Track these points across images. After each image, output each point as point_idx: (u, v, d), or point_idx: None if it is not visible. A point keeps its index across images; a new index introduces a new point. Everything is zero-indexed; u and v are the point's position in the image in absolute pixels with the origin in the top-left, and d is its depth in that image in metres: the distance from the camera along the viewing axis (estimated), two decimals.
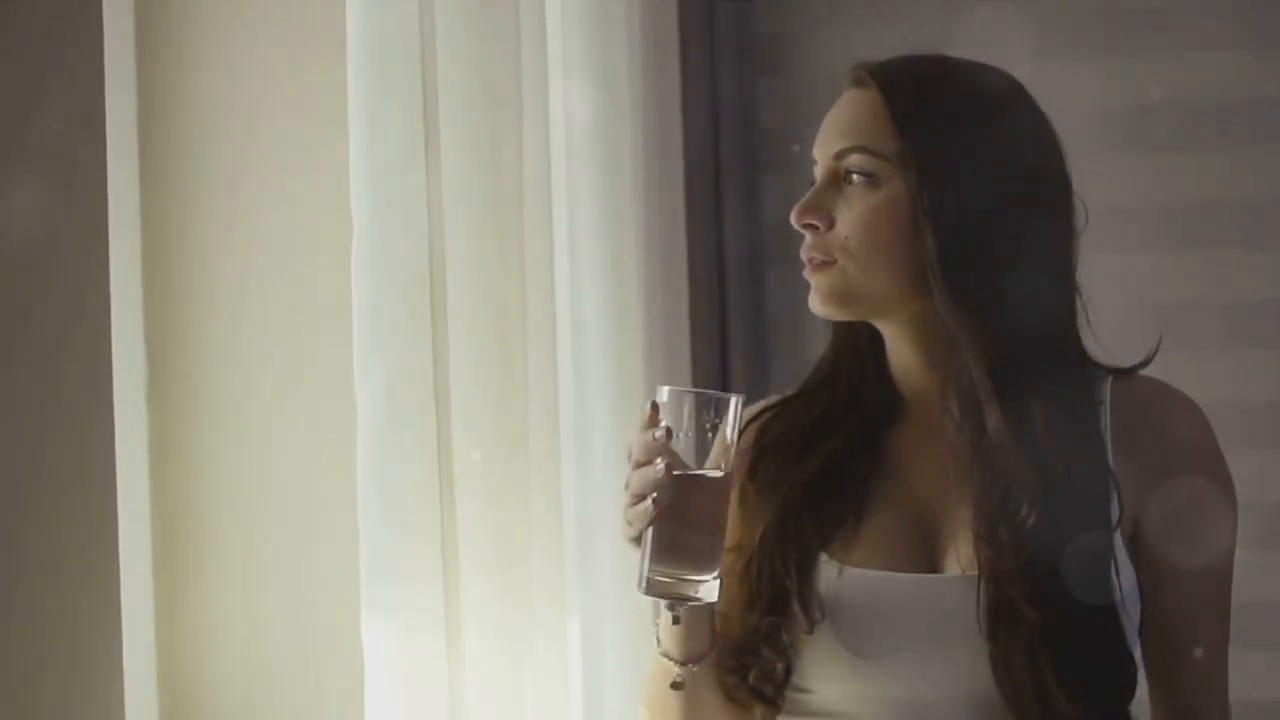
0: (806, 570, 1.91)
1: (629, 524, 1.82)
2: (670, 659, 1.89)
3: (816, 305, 1.92)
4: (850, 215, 1.90)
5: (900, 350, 1.96)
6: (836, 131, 1.93)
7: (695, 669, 1.89)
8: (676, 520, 1.79)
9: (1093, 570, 1.87)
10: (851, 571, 1.91)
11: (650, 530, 1.79)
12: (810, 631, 1.89)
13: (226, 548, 2.18)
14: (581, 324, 2.94)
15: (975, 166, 1.91)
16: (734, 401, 1.82)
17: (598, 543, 2.89)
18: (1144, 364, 1.96)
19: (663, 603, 1.84)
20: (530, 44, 2.49)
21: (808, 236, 1.91)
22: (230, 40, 2.18)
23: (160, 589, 2.16)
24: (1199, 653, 1.93)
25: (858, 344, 1.97)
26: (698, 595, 1.80)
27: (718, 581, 1.81)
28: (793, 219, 1.91)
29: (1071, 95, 3.36)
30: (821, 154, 1.94)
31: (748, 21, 3.54)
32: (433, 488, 2.22)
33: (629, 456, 1.83)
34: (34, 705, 1.70)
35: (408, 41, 2.20)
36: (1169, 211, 3.38)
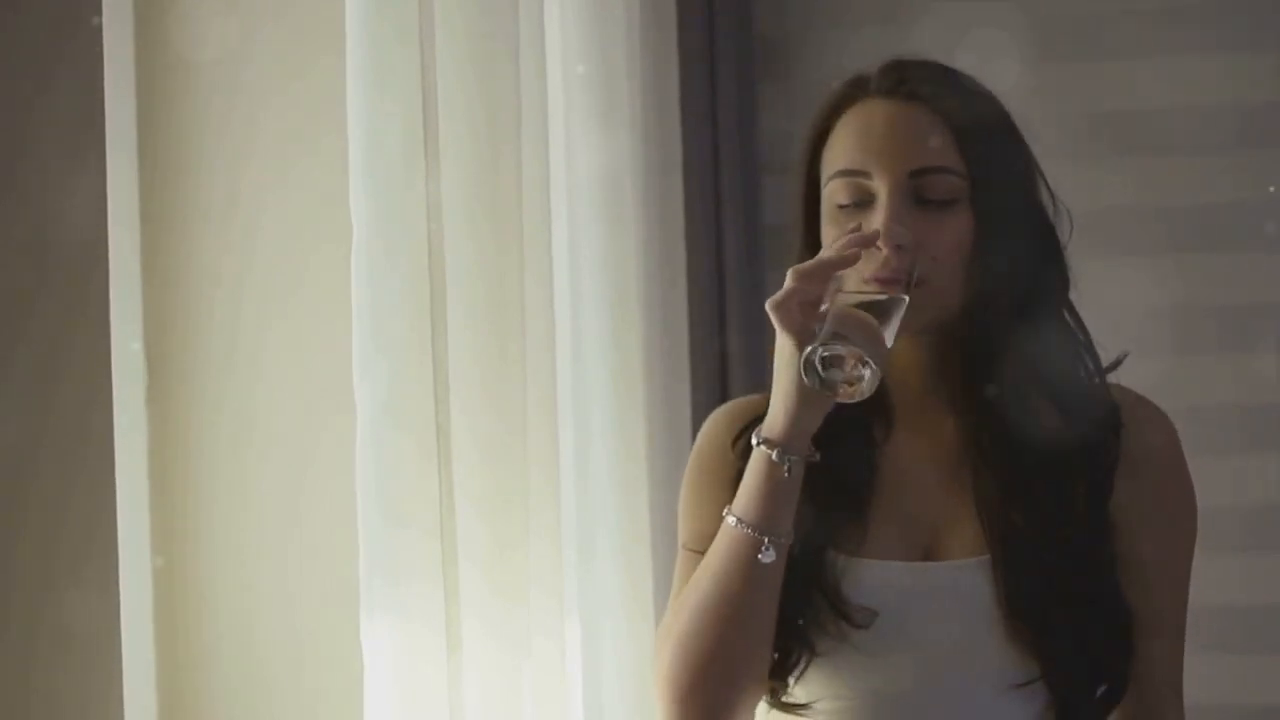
0: (819, 567, 1.92)
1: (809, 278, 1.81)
2: (754, 530, 1.85)
3: (914, 323, 1.88)
4: (938, 234, 1.91)
5: (906, 355, 1.96)
6: (910, 149, 1.92)
7: (780, 543, 1.86)
8: (852, 305, 1.81)
9: (1096, 549, 1.94)
10: (858, 563, 1.93)
11: (829, 314, 1.80)
12: (866, 626, 1.90)
13: (226, 547, 2.18)
14: (581, 325, 2.94)
15: (1017, 184, 1.96)
16: None
17: (597, 541, 2.90)
18: (1108, 369, 2.00)
19: (771, 453, 1.83)
20: (530, 45, 2.49)
21: (892, 257, 1.88)
22: (230, 41, 2.19)
23: (159, 588, 2.16)
24: (1157, 651, 1.97)
25: None
26: (865, 371, 1.78)
27: (877, 378, 1.79)
28: (885, 239, 1.88)
29: (1070, 98, 3.37)
30: (887, 169, 1.91)
31: (747, 25, 3.54)
32: (432, 487, 2.22)
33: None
34: (33, 707, 1.70)
35: (407, 41, 2.20)
36: (1163, 215, 3.39)
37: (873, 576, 1.93)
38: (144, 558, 2.15)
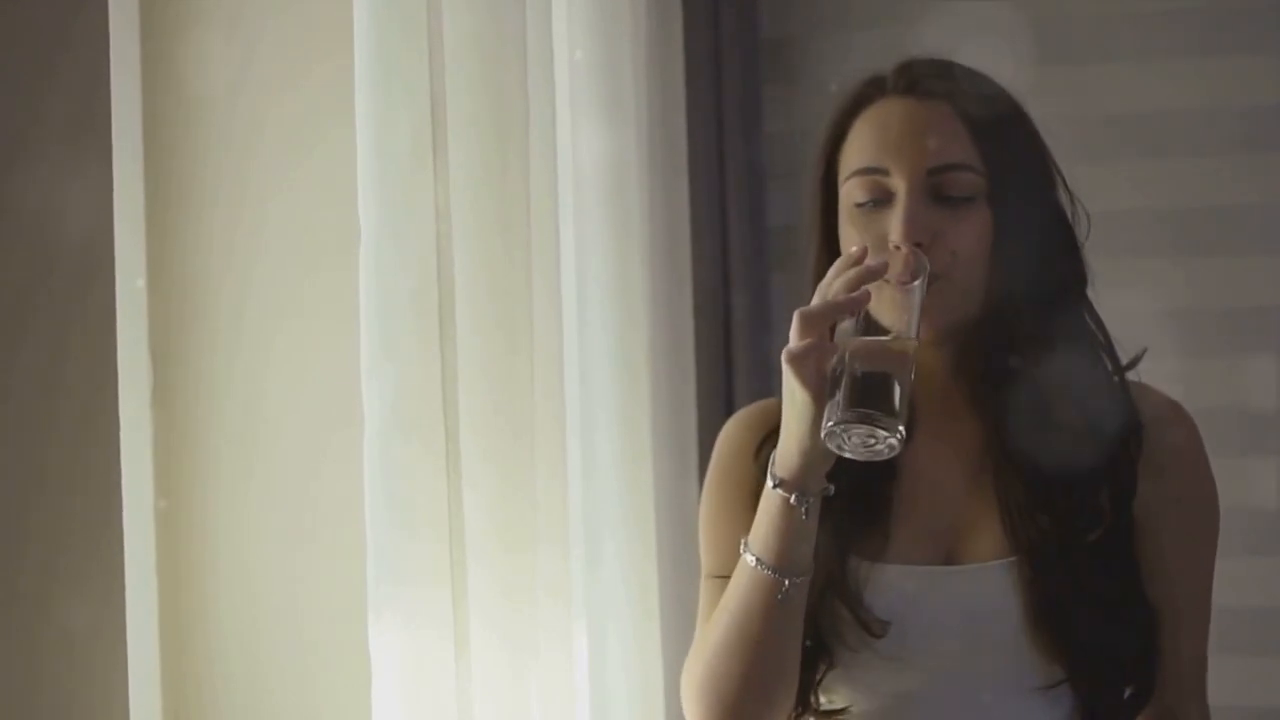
0: (840, 573, 1.91)
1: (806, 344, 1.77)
2: (774, 571, 1.84)
3: (938, 321, 1.88)
4: (956, 230, 1.90)
5: (926, 357, 1.95)
6: (927, 146, 1.91)
7: (800, 581, 1.85)
8: (870, 361, 1.78)
9: (1120, 550, 1.93)
10: (881, 568, 1.92)
11: (844, 376, 1.77)
12: (881, 635, 1.89)
13: (232, 551, 2.18)
14: (587, 329, 2.94)
15: (1035, 180, 1.95)
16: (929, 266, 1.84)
17: (604, 546, 2.89)
18: (1127, 367, 1.99)
19: (789, 497, 1.81)
20: (537, 48, 2.49)
21: (912, 259, 1.85)
22: (236, 40, 2.18)
23: (165, 591, 2.16)
24: (1181, 650, 1.97)
25: None
26: (888, 439, 1.76)
27: (902, 444, 1.77)
28: (900, 237, 1.87)
29: (1072, 100, 3.36)
30: (906, 167, 1.91)
31: (752, 27, 3.54)
32: (440, 490, 2.22)
33: (823, 292, 1.81)
34: (39, 711, 1.69)
35: (415, 44, 2.20)
36: (1169, 217, 3.39)
37: (895, 582, 1.92)
38: (149, 561, 2.15)
